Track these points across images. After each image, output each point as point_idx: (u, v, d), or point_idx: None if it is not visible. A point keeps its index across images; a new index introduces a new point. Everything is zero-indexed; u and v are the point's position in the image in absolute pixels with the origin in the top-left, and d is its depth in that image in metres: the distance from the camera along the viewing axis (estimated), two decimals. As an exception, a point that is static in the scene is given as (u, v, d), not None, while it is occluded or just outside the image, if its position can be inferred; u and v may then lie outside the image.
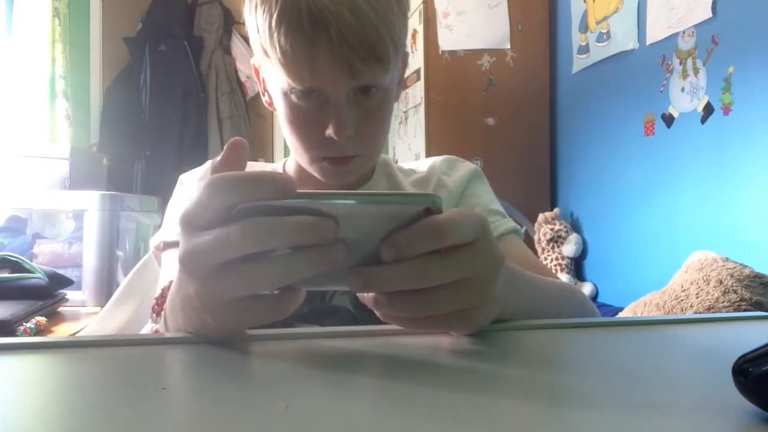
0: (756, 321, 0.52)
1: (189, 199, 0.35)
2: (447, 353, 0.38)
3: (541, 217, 2.63)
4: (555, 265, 2.57)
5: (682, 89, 2.02)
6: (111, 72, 3.52)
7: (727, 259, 1.47)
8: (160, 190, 2.08)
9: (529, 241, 2.60)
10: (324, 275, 0.34)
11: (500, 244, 0.70)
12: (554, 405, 0.27)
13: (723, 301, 1.32)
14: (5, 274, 1.29)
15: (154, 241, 0.72)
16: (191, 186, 0.74)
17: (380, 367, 0.35)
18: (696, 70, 1.95)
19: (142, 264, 0.85)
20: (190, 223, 0.35)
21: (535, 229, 2.64)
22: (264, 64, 0.63)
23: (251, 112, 3.84)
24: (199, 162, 0.78)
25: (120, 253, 1.77)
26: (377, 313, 0.38)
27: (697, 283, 1.39)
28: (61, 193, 1.87)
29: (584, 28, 2.59)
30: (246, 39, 0.65)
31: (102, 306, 1.06)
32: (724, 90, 1.85)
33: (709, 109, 1.91)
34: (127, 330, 0.81)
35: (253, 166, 0.76)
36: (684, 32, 2.00)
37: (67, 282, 1.43)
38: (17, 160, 1.92)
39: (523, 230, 0.79)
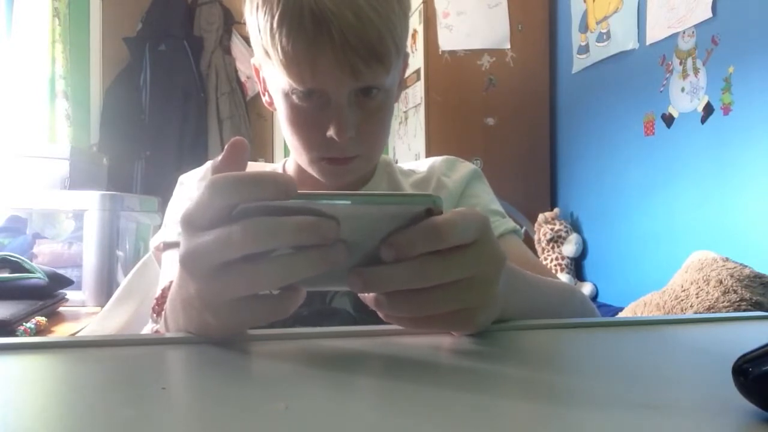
0: (756, 321, 0.52)
1: (189, 200, 0.35)
2: (447, 353, 0.38)
3: (541, 217, 2.63)
4: (555, 265, 2.57)
5: (682, 89, 2.02)
6: (111, 72, 3.52)
7: (727, 259, 1.47)
8: (160, 190, 2.08)
9: (529, 241, 2.60)
10: (325, 275, 0.34)
11: (500, 244, 0.71)
12: (554, 405, 0.27)
13: (723, 301, 1.32)
14: (5, 274, 1.29)
15: (154, 241, 0.72)
16: (191, 186, 0.74)
17: (380, 367, 0.35)
18: (696, 70, 1.95)
19: (142, 264, 0.85)
20: (191, 223, 0.35)
21: (535, 229, 2.64)
22: (265, 64, 0.63)
23: (251, 112, 3.84)
24: (199, 162, 0.78)
25: (120, 253, 1.77)
26: (378, 314, 0.38)
27: (697, 283, 1.39)
28: (61, 193, 1.87)
29: (584, 28, 2.59)
30: (246, 39, 0.65)
31: (102, 306, 1.06)
32: (724, 90, 1.85)
33: (709, 109, 1.91)
34: (127, 330, 0.81)
35: (253, 166, 0.76)
36: (684, 32, 2.00)
37: (67, 282, 1.43)
38: (17, 160, 1.92)
39: (523, 230, 0.79)
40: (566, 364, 0.37)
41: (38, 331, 1.17)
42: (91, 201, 1.68)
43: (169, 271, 0.67)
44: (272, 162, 0.91)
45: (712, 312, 1.31)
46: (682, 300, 1.37)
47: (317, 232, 0.32)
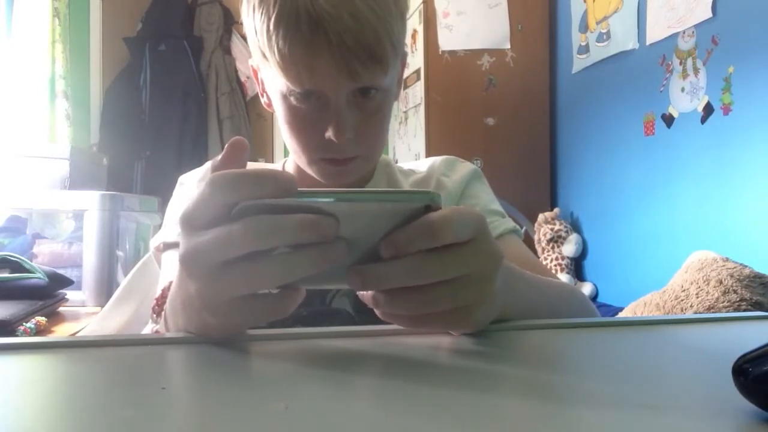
0: (756, 321, 0.52)
1: (189, 199, 0.35)
2: (447, 353, 0.38)
3: (541, 217, 2.63)
4: (555, 265, 2.57)
5: (682, 89, 2.02)
6: (111, 72, 3.52)
7: (727, 259, 1.47)
8: (160, 190, 2.08)
9: (529, 241, 2.60)
10: (324, 273, 0.34)
11: (500, 244, 0.70)
12: (554, 405, 0.27)
13: (723, 301, 1.32)
14: (5, 274, 1.29)
15: (154, 241, 0.72)
16: (191, 186, 0.74)
17: (380, 367, 0.35)
18: (696, 70, 1.95)
19: (142, 264, 0.85)
20: (191, 222, 0.35)
21: (535, 229, 2.64)
22: (262, 66, 0.63)
23: (251, 112, 3.84)
24: (199, 162, 0.78)
25: (120, 253, 1.77)
26: (377, 312, 0.38)
27: (697, 283, 1.40)
28: (61, 193, 1.87)
29: (584, 28, 2.59)
30: (246, 39, 0.65)
31: (102, 306, 1.06)
32: (724, 90, 1.85)
33: (709, 109, 1.91)
34: (127, 330, 0.81)
35: (252, 166, 0.76)
36: (684, 32, 2.00)
37: (67, 282, 1.43)
38: (17, 160, 1.92)
39: (523, 230, 0.79)
40: (566, 364, 0.37)
41: (38, 331, 1.17)
42: (91, 201, 1.68)
43: (168, 271, 0.67)
44: (272, 162, 0.92)
45: (712, 312, 1.31)
46: (682, 300, 1.37)
47: (317, 230, 0.32)
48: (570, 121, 2.77)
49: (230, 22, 3.80)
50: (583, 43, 2.60)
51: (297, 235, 0.32)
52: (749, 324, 0.50)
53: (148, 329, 0.67)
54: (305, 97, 0.60)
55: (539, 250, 2.62)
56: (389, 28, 0.58)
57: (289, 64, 0.57)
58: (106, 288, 1.64)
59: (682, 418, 0.26)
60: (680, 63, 2.02)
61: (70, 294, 1.47)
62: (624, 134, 2.35)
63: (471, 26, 2.76)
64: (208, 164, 0.76)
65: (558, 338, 0.43)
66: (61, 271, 1.47)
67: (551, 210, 2.66)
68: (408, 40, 2.92)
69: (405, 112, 3.04)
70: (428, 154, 2.70)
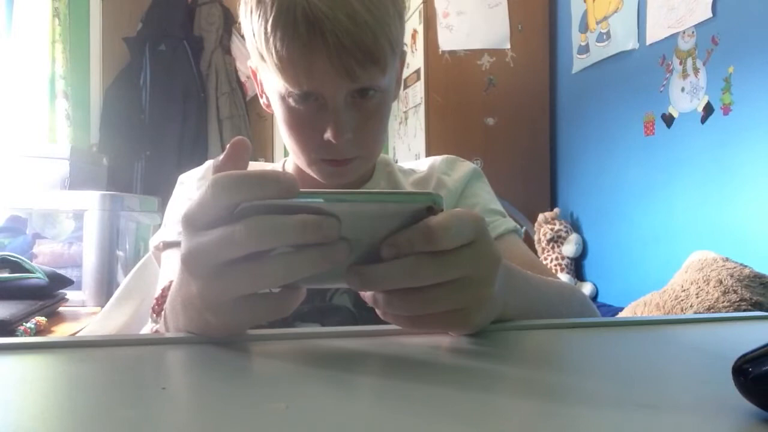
0: (756, 321, 0.52)
1: (190, 199, 0.35)
2: (447, 353, 0.38)
3: (541, 217, 2.63)
4: (555, 265, 2.57)
5: (682, 89, 2.02)
6: (111, 72, 3.52)
7: (727, 259, 1.47)
8: (160, 190, 2.08)
9: (529, 241, 2.60)
10: (325, 273, 0.34)
11: (500, 243, 0.71)
12: (554, 404, 0.27)
13: (723, 301, 1.32)
14: (5, 274, 1.29)
15: (154, 241, 0.72)
16: (191, 186, 0.74)
17: (380, 366, 0.35)
18: (696, 70, 1.95)
19: (142, 264, 0.85)
20: (193, 222, 0.35)
21: (535, 229, 2.64)
22: (261, 67, 0.63)
23: (251, 112, 3.84)
24: (199, 162, 0.78)
25: (120, 253, 1.77)
26: (377, 311, 0.38)
27: (697, 283, 1.39)
28: (61, 193, 1.87)
29: (584, 28, 2.59)
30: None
31: (102, 306, 1.06)
32: (724, 90, 1.85)
33: (709, 109, 1.91)
34: (127, 330, 0.81)
35: (253, 166, 0.76)
36: (684, 32, 2.00)
37: (67, 282, 1.43)
38: (17, 160, 1.92)
39: (523, 230, 0.79)
40: (566, 364, 0.37)
41: (38, 331, 1.17)
42: (91, 201, 1.68)
43: (168, 270, 0.67)
44: (272, 162, 0.91)
45: (712, 312, 1.31)
46: (682, 300, 1.37)
47: (319, 231, 0.32)
48: (570, 121, 2.77)
49: (230, 22, 3.80)
50: (583, 43, 2.60)
51: (298, 235, 0.32)
52: (749, 324, 0.50)
53: (148, 329, 0.67)
54: (303, 99, 0.60)
55: (539, 250, 2.62)
56: (387, 28, 0.58)
57: (286, 65, 0.57)
58: (106, 288, 1.64)
59: (682, 418, 0.26)
60: (680, 63, 2.02)
61: (70, 294, 1.47)
62: (624, 134, 2.35)
63: (471, 26, 2.76)
64: (208, 163, 0.76)
65: (558, 338, 0.43)
66: (61, 271, 1.47)
67: (551, 210, 2.66)
68: (408, 40, 2.92)
69: (405, 112, 3.04)
70: (428, 154, 2.70)
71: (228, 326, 0.38)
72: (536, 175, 2.82)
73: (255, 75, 0.69)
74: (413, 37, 2.87)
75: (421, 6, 2.76)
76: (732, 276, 1.38)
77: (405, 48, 0.69)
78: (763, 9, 1.72)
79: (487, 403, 0.27)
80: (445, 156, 0.81)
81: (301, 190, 0.33)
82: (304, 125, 0.62)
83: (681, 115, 2.04)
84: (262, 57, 0.59)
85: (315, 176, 0.66)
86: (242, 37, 0.63)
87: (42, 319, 1.21)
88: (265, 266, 0.33)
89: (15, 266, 1.33)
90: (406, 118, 3.04)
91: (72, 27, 3.01)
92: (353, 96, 0.61)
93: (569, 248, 2.57)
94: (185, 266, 0.36)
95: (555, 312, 0.51)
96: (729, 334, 0.46)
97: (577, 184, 2.71)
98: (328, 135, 0.60)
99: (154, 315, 0.61)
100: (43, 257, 1.75)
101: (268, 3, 0.56)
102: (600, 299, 2.49)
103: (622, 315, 1.58)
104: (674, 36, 2.04)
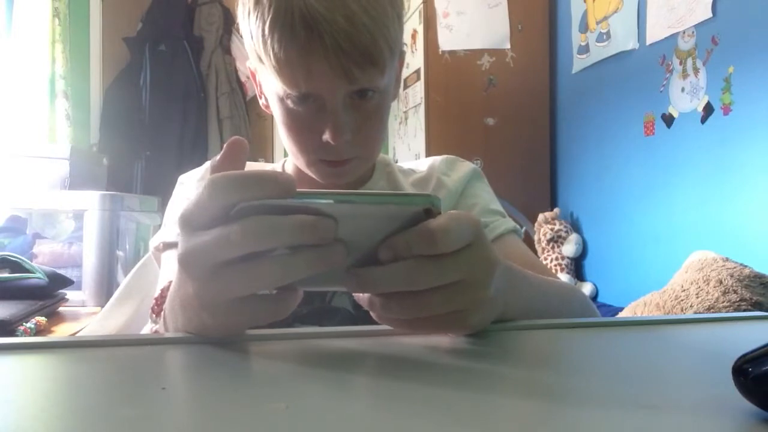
0: (756, 321, 0.52)
1: (188, 199, 0.35)
2: (446, 353, 0.38)
3: (541, 217, 2.63)
4: (555, 265, 2.57)
5: (682, 89, 2.02)
6: (111, 72, 3.52)
7: (727, 259, 1.47)
8: (160, 190, 2.08)
9: (529, 241, 2.60)
10: (322, 275, 0.34)
11: (500, 244, 0.71)
12: (554, 405, 0.27)
13: (723, 301, 1.32)
14: (5, 274, 1.29)
15: (154, 241, 0.72)
16: (190, 186, 0.74)
17: (380, 367, 0.35)
18: (696, 70, 1.95)
19: (141, 264, 0.85)
20: (190, 222, 0.35)
21: (535, 229, 2.64)
22: (259, 69, 0.63)
23: (251, 112, 3.84)
24: (199, 162, 0.78)
25: (120, 253, 1.77)
26: (372, 315, 0.38)
27: (697, 283, 1.39)
28: (61, 193, 1.87)
29: (584, 28, 2.59)
30: (245, 40, 0.65)
31: (102, 306, 1.06)
32: (724, 90, 1.85)
33: (709, 109, 1.91)
34: (127, 330, 0.81)
35: (252, 166, 0.76)
36: (684, 32, 2.00)
37: (67, 282, 1.43)
38: (17, 160, 1.92)
39: (523, 230, 0.79)
40: (566, 364, 0.37)
41: (38, 331, 1.17)
42: (91, 201, 1.68)
43: (168, 271, 0.67)
44: (272, 162, 0.91)
45: (712, 312, 1.31)
46: (682, 300, 1.37)
47: (316, 232, 0.32)
48: (570, 121, 2.77)
49: (230, 22, 3.80)
50: (583, 43, 2.60)
51: (295, 236, 0.32)
52: (749, 324, 0.50)
53: (148, 329, 0.67)
54: (302, 100, 0.60)
55: (539, 250, 2.62)
56: (384, 29, 0.57)
57: (284, 67, 0.57)
58: (106, 288, 1.64)
59: (682, 418, 0.26)
60: (680, 63, 2.02)
61: (70, 294, 1.47)
62: (624, 134, 2.35)
63: (471, 26, 2.76)
64: (207, 164, 0.76)
65: (558, 338, 0.43)
66: (61, 271, 1.47)
67: (551, 210, 2.66)
68: (408, 40, 2.92)
69: (405, 112, 3.04)
70: (428, 154, 2.70)
71: (225, 327, 0.38)
72: (536, 175, 2.81)
73: (254, 76, 0.69)
74: (413, 37, 2.87)
75: (421, 6, 2.76)
76: (732, 276, 1.38)
77: (404, 48, 0.68)
78: (763, 9, 1.72)
79: (487, 404, 0.27)
80: (444, 156, 0.81)
81: (298, 190, 0.33)
82: (302, 126, 0.62)
83: (681, 115, 2.04)
84: (260, 59, 0.59)
85: (314, 177, 0.66)
86: (242, 37, 0.63)
87: (42, 319, 1.21)
88: (262, 267, 0.33)
89: (15, 266, 1.33)
90: (406, 118, 3.04)
91: (72, 27, 3.01)
92: (352, 97, 0.60)
93: (569, 248, 2.57)
94: (182, 267, 0.36)
95: (555, 312, 0.51)
96: (729, 334, 0.46)
97: (577, 184, 2.71)
98: (326, 136, 0.60)
99: (154, 315, 0.61)
100: (43, 257, 1.75)
101: (265, 5, 0.56)
102: (600, 299, 2.49)
103: (622, 315, 1.58)
104: (674, 36, 2.04)
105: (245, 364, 0.35)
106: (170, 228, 0.71)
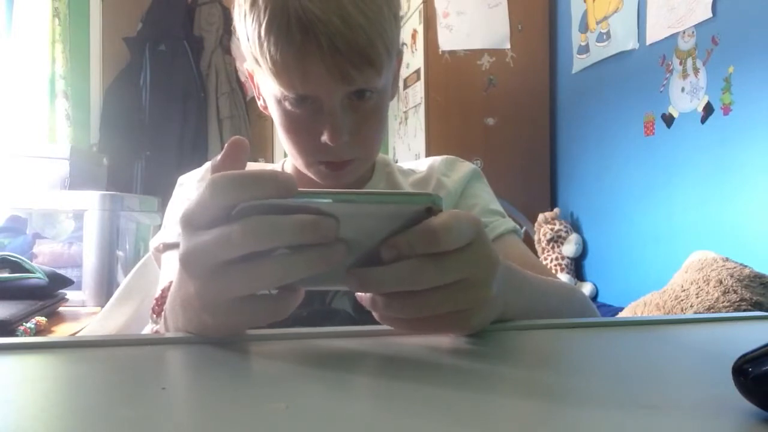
0: (756, 321, 0.52)
1: (188, 200, 0.35)
2: (447, 353, 0.38)
3: (541, 217, 2.63)
4: (555, 265, 2.57)
5: (682, 89, 2.02)
6: (111, 72, 3.52)
7: (727, 259, 1.47)
8: (160, 190, 2.08)
9: (529, 241, 2.60)
10: (323, 275, 0.34)
11: (500, 244, 0.71)
12: (554, 405, 0.27)
13: (723, 301, 1.32)
14: (5, 274, 1.29)
15: (154, 242, 0.72)
16: (191, 187, 0.74)
17: (380, 367, 0.35)
18: (696, 70, 1.95)
19: (141, 264, 0.85)
20: (191, 222, 0.35)
21: (535, 229, 2.64)
22: (256, 71, 0.63)
23: (251, 112, 3.84)
24: (199, 162, 0.78)
25: (120, 253, 1.77)
26: (374, 314, 0.38)
27: (697, 283, 1.39)
28: (61, 193, 1.87)
29: (584, 28, 2.59)
30: (244, 41, 0.64)
31: (102, 306, 1.06)
32: (724, 90, 1.85)
33: (709, 109, 1.91)
34: (127, 330, 0.81)
35: (252, 166, 0.76)
36: (684, 32, 2.00)
37: (67, 282, 1.43)
38: (17, 160, 1.92)
39: (523, 230, 0.79)
40: (566, 364, 0.37)
41: (38, 331, 1.17)
42: (91, 201, 1.68)
43: (168, 271, 0.67)
44: (272, 162, 0.91)
45: (712, 312, 1.31)
46: (682, 300, 1.37)
47: (317, 231, 0.32)
48: (570, 121, 2.77)
49: (230, 22, 3.73)
50: (583, 43, 2.60)
51: (296, 235, 0.32)
52: (749, 324, 0.50)
53: (148, 329, 0.67)
54: (300, 102, 0.60)
55: (539, 250, 2.62)
56: (381, 30, 0.57)
57: (281, 69, 0.57)
58: (106, 288, 1.64)
59: (682, 418, 0.26)
60: (680, 63, 2.02)
61: (70, 294, 1.47)
62: (624, 134, 2.35)
63: (471, 26, 2.76)
64: (207, 164, 0.76)
65: (558, 338, 0.43)
66: (61, 271, 1.47)
67: (551, 210, 2.66)
68: (408, 40, 2.92)
69: (405, 112, 3.04)
70: (428, 154, 2.70)
71: (225, 327, 0.38)
72: (536, 175, 2.82)
73: (252, 77, 0.69)
74: (413, 37, 2.87)
75: (421, 6, 2.76)
76: (732, 276, 1.38)
77: (402, 47, 0.68)
78: (763, 9, 1.72)
79: (487, 404, 0.27)
80: (444, 156, 0.81)
81: (299, 190, 0.33)
82: (300, 128, 0.62)
83: (681, 115, 2.04)
84: (256, 61, 0.59)
85: (313, 178, 0.66)
86: (239, 39, 0.63)
87: (42, 319, 1.21)
88: (263, 267, 0.33)
89: (15, 266, 1.33)
90: (406, 118, 3.04)
91: (72, 27, 3.01)
92: (349, 98, 0.60)
93: (569, 248, 2.57)
94: (183, 266, 0.36)
95: (555, 312, 0.51)
96: (729, 334, 0.46)
97: (577, 184, 2.71)
98: (325, 137, 0.60)
99: (154, 315, 0.61)
100: (43, 257, 1.75)
101: (261, 7, 0.56)
102: (600, 299, 2.49)
103: (622, 315, 1.58)
104: (674, 36, 2.04)
105: (245, 364, 0.35)
106: (170, 229, 0.71)
